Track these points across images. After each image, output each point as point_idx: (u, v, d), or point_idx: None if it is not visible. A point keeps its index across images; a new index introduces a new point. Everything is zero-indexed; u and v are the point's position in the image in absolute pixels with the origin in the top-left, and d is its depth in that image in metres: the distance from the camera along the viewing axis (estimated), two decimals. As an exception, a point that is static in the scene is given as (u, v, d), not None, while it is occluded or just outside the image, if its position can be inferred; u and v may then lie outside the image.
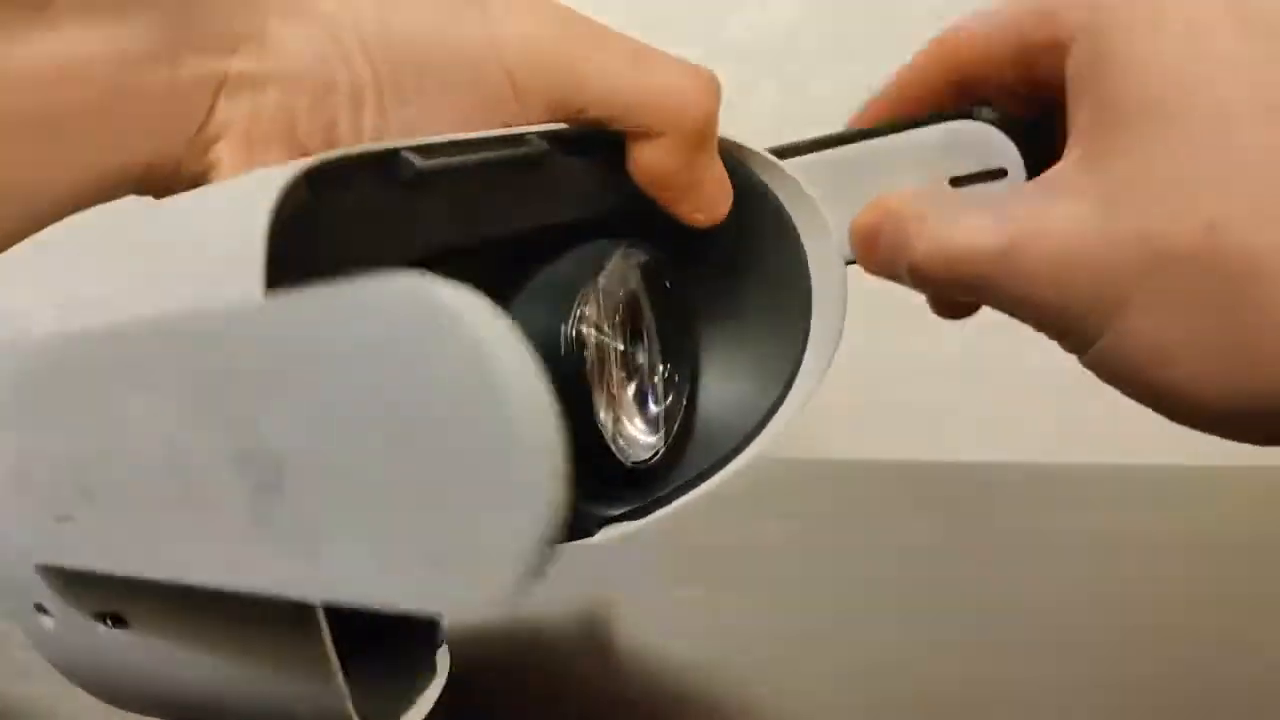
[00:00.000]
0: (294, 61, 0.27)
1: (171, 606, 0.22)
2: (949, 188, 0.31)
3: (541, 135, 0.28)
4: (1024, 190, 0.29)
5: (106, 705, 0.27)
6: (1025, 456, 0.50)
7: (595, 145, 0.29)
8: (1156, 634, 0.36)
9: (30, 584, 0.24)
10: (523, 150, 0.28)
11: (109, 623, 0.24)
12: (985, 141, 0.31)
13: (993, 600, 0.39)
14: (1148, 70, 0.25)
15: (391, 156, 0.25)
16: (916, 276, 0.28)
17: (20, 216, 0.27)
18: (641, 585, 0.41)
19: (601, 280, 0.31)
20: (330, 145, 0.28)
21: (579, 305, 0.30)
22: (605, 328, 0.31)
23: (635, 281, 0.32)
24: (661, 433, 0.33)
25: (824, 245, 0.32)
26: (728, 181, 0.31)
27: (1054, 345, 0.27)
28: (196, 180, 0.28)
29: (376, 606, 0.16)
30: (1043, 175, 0.28)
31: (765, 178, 0.32)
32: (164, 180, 0.28)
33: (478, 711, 0.31)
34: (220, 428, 0.18)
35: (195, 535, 0.19)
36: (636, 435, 0.32)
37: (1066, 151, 0.27)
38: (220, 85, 0.27)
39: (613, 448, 0.31)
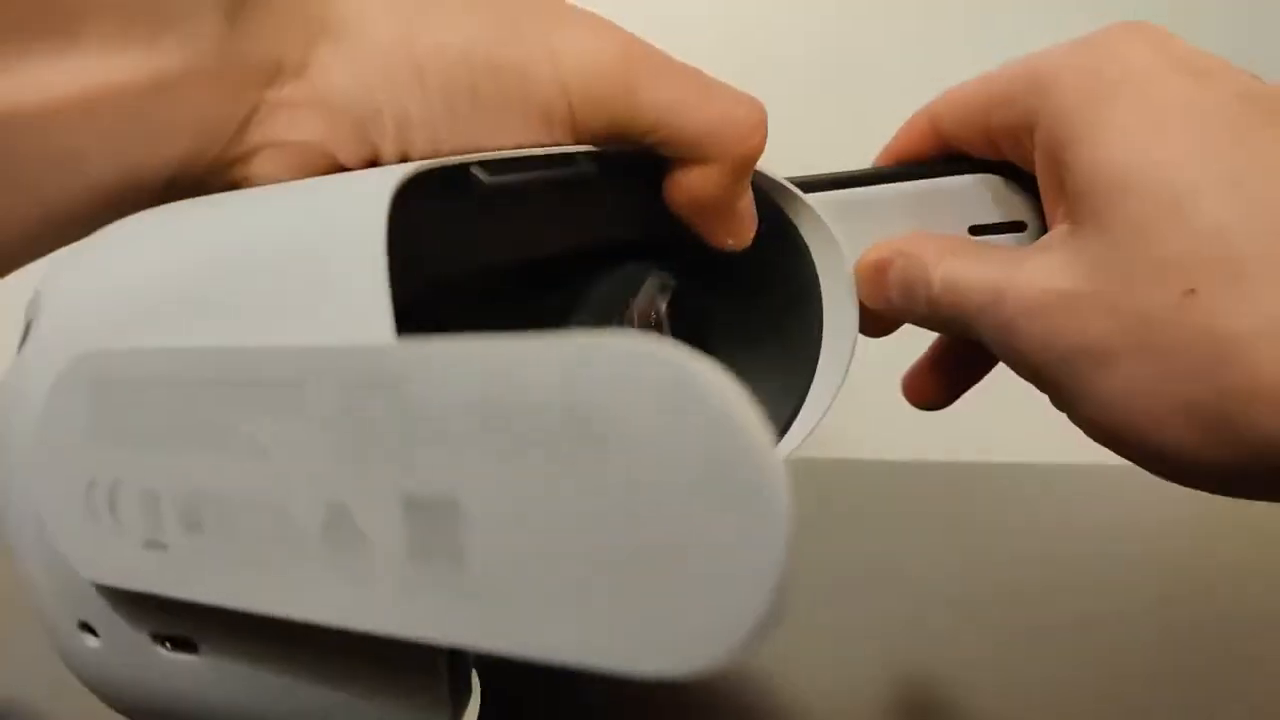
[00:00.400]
0: (336, 93, 0.26)
1: (253, 632, 0.21)
2: (968, 235, 0.32)
3: (588, 155, 0.28)
4: (1025, 246, 0.30)
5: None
6: (1025, 457, 0.51)
7: (632, 167, 0.29)
8: (1155, 633, 0.37)
9: (80, 599, 0.23)
10: (573, 170, 0.28)
11: (169, 646, 0.23)
12: (1006, 194, 0.32)
13: (992, 599, 0.40)
14: (1105, 153, 0.26)
15: (461, 172, 0.25)
16: (932, 310, 0.30)
17: (36, 237, 0.26)
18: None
19: (635, 304, 0.31)
20: (371, 166, 0.27)
21: (615, 328, 0.30)
22: None
23: (663, 305, 0.32)
24: None
25: (839, 275, 0.33)
26: (754, 207, 0.31)
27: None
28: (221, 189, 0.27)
29: (566, 662, 0.16)
30: (1043, 236, 0.29)
31: (786, 207, 0.32)
32: (184, 194, 0.27)
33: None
34: (385, 470, 0.17)
35: (329, 576, 0.18)
36: None
37: (1058, 220, 0.28)
38: (253, 112, 0.26)
39: None
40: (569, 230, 0.29)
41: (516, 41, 0.27)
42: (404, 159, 0.27)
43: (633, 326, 0.31)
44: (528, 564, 0.16)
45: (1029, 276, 0.27)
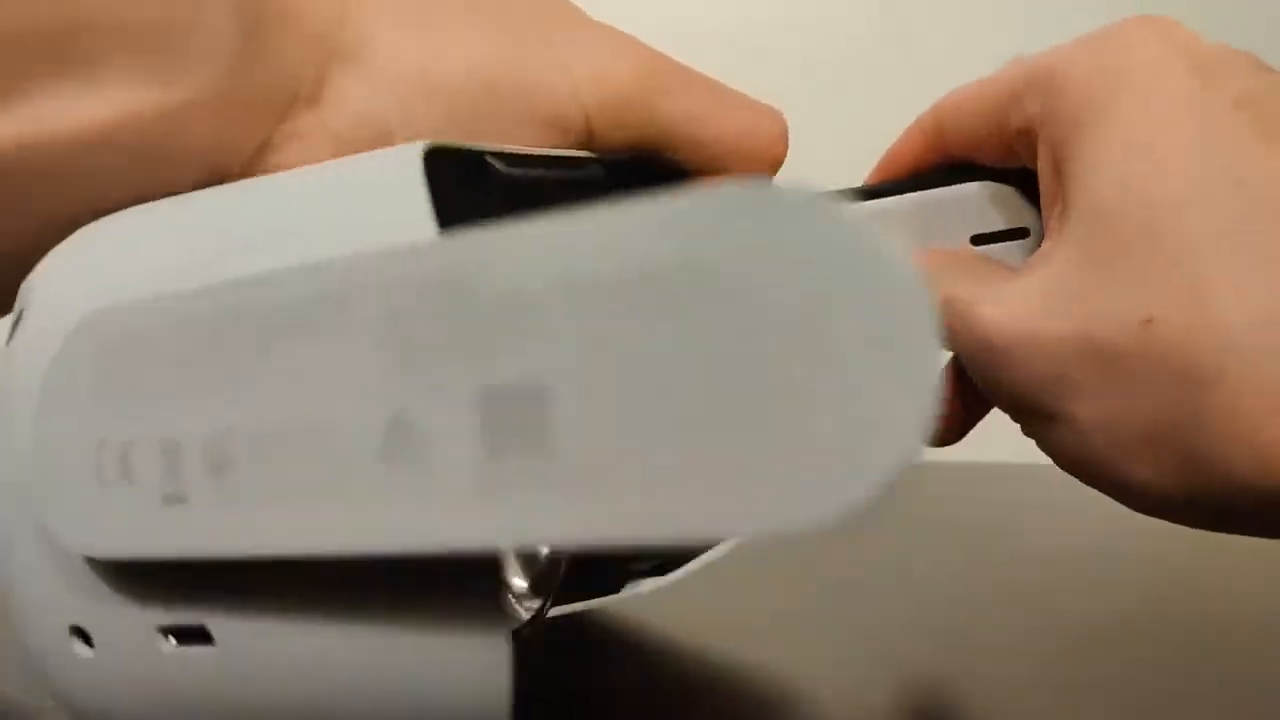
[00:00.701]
0: (346, 117, 0.26)
1: (279, 611, 0.20)
2: (969, 245, 0.31)
3: (598, 160, 0.28)
4: (1013, 264, 0.29)
5: None
6: (1022, 457, 0.50)
7: (638, 172, 0.29)
8: (1155, 634, 0.37)
9: (72, 602, 0.21)
10: (581, 173, 0.28)
11: (176, 640, 0.21)
12: (1008, 201, 0.31)
13: (992, 600, 0.40)
14: (1092, 168, 0.25)
15: (477, 163, 0.25)
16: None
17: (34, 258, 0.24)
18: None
19: None
20: None
21: None
22: None
23: None
24: None
25: None
26: None
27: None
28: None
29: (681, 539, 0.15)
30: (1032, 254, 0.28)
31: None
32: None
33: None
34: (453, 370, 0.16)
35: (391, 494, 0.16)
36: None
37: (1046, 234, 0.28)
38: (267, 140, 0.25)
39: None
40: None
41: (529, 59, 0.27)
42: None
43: None
44: (633, 442, 0.15)
45: (1004, 303, 0.26)
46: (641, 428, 0.15)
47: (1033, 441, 0.28)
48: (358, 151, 0.25)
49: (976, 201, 0.31)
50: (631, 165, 0.28)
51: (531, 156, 0.26)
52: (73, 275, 0.22)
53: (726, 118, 0.28)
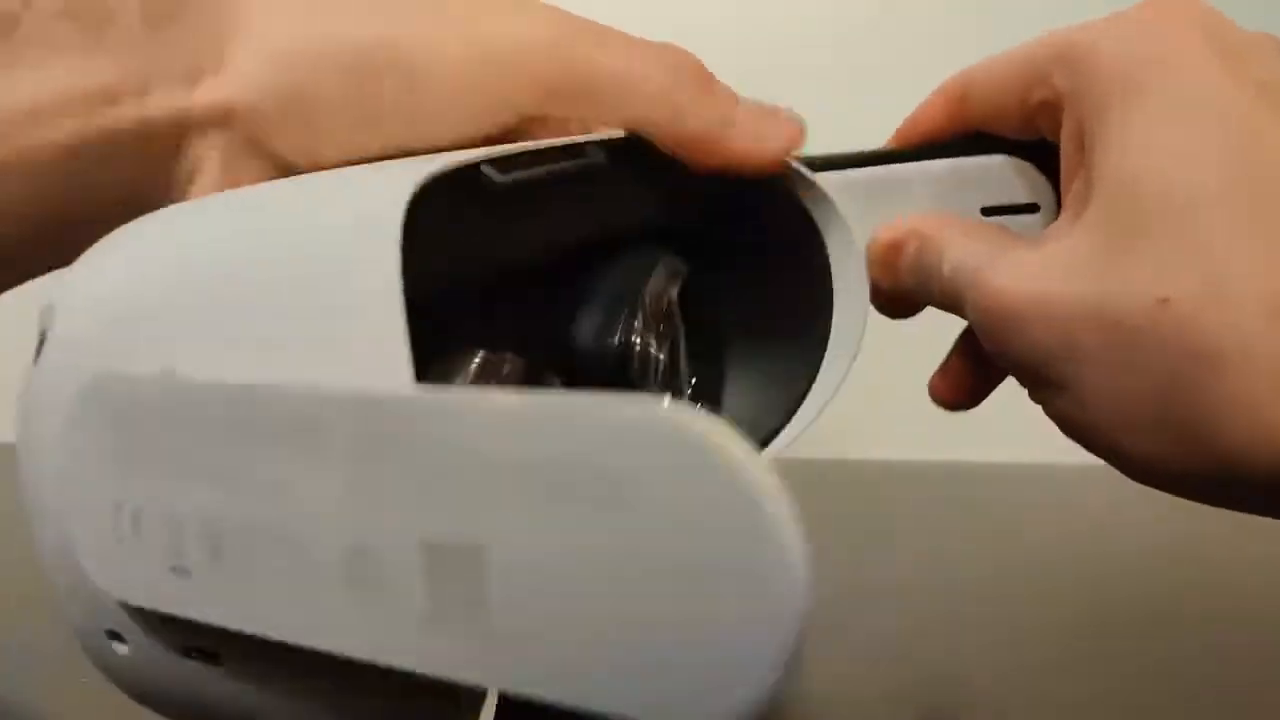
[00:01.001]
0: (256, 91, 0.27)
1: (274, 651, 0.22)
2: (980, 216, 0.32)
3: (598, 145, 0.28)
4: (1030, 233, 0.29)
5: (106, 705, 0.27)
6: (1022, 457, 0.51)
7: (640, 153, 0.29)
8: (1154, 633, 0.38)
9: (107, 611, 0.24)
10: (583, 161, 0.28)
11: (195, 656, 0.24)
12: (1022, 176, 0.31)
13: (990, 599, 0.41)
14: (1118, 148, 0.25)
15: (471, 171, 0.25)
16: (944, 296, 0.29)
17: None
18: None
19: (647, 292, 0.31)
20: (315, 158, 0.28)
21: (628, 316, 0.30)
22: (650, 339, 0.31)
23: (674, 292, 0.32)
24: None
25: (848, 254, 0.32)
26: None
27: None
28: None
29: (587, 709, 0.17)
30: (1052, 223, 0.28)
31: (795, 186, 0.32)
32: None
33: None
34: (404, 515, 0.18)
35: (349, 612, 0.19)
36: None
37: (1061, 211, 0.28)
38: (188, 120, 0.28)
39: None
40: (580, 222, 0.29)
41: (431, 32, 0.28)
42: (340, 161, 0.27)
43: (645, 316, 0.31)
44: (552, 612, 0.16)
45: (1018, 270, 0.27)
46: (561, 602, 0.16)
47: (1033, 442, 0.29)
48: (276, 122, 0.27)
49: (992, 173, 0.32)
50: (631, 147, 0.29)
51: (529, 154, 0.26)
52: (92, 304, 0.24)
53: (651, 72, 0.28)
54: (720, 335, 0.35)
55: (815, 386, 0.34)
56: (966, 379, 0.33)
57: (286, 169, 0.28)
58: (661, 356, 0.32)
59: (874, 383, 0.43)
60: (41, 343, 0.25)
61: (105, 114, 0.27)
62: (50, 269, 0.29)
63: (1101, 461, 0.27)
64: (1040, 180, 0.31)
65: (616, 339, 0.30)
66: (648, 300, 0.31)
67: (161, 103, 0.27)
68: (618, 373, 0.30)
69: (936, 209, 0.32)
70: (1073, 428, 0.27)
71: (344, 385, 0.19)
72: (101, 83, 0.27)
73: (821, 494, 0.54)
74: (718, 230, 0.33)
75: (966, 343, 0.34)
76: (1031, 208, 0.32)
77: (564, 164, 0.28)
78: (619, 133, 0.29)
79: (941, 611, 0.39)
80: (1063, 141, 0.28)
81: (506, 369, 0.28)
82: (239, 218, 0.25)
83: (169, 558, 0.21)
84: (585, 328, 0.30)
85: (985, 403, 0.34)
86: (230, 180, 0.28)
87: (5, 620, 0.25)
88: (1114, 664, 0.35)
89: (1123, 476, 0.27)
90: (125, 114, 0.27)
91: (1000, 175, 0.32)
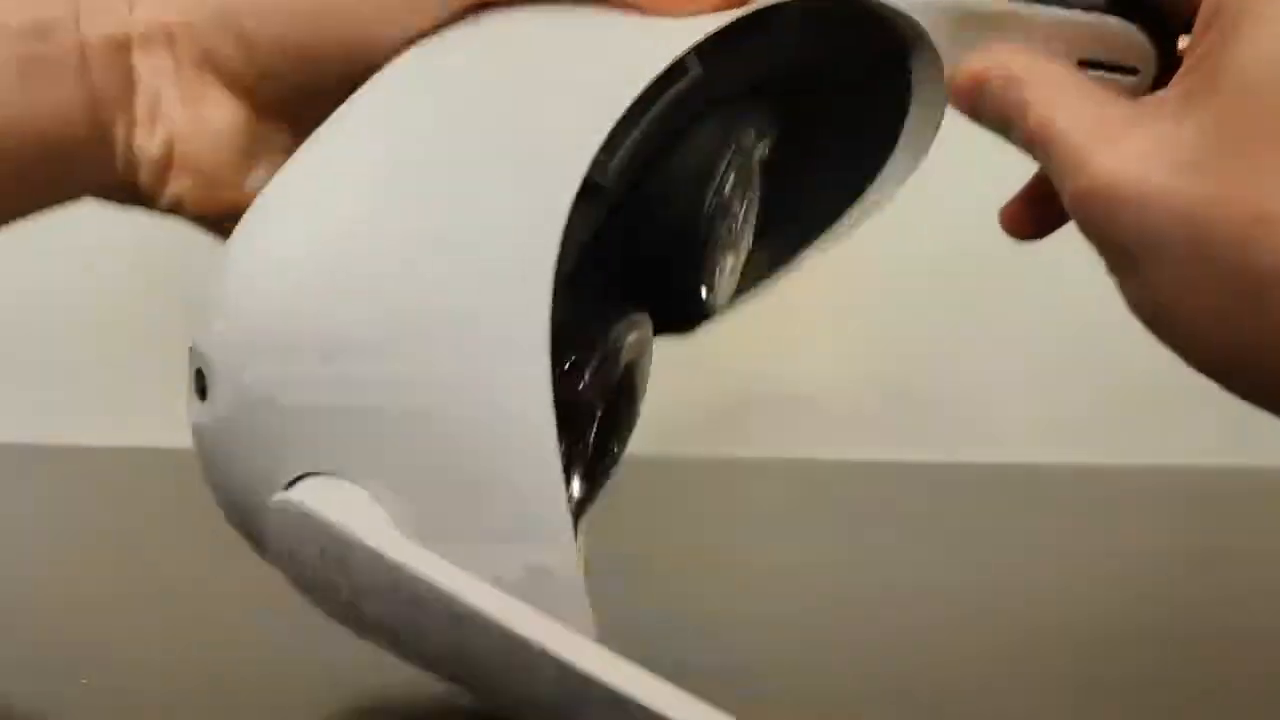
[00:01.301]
0: (191, 5, 0.28)
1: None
2: (1074, 66, 0.30)
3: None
4: (1124, 100, 0.28)
5: (105, 705, 0.27)
6: (1021, 457, 0.51)
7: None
8: (1153, 632, 0.37)
9: None
10: (684, 83, 0.28)
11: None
12: (1126, 36, 0.30)
13: (990, 599, 0.40)
14: (1251, 44, 0.24)
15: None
16: (1024, 146, 0.28)
17: None
18: (644, 583, 0.41)
19: (737, 152, 0.31)
20: (261, 69, 0.29)
21: (720, 175, 0.30)
22: (736, 199, 0.31)
23: (759, 154, 0.32)
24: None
25: (932, 83, 0.32)
26: None
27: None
28: (158, 166, 0.29)
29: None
30: (1148, 96, 0.27)
31: (887, 12, 0.31)
32: (127, 181, 0.29)
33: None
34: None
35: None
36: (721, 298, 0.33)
37: (1173, 82, 0.27)
38: (128, 42, 0.28)
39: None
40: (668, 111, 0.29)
41: None
42: (290, 69, 0.29)
43: (730, 184, 0.31)
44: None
45: (1123, 150, 0.25)
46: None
47: (1033, 442, 0.29)
48: (215, 36, 0.28)
49: (1095, 28, 0.31)
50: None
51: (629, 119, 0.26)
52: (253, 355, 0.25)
53: None
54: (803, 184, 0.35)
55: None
56: (1036, 215, 0.33)
57: (236, 81, 0.29)
58: (740, 216, 0.32)
59: (874, 382, 0.43)
60: (203, 389, 0.25)
61: (45, 43, 0.28)
62: (15, 217, 0.30)
63: (1101, 462, 0.27)
64: (1144, 44, 0.30)
65: (712, 198, 0.30)
66: (733, 165, 0.31)
67: (98, 26, 0.28)
68: (711, 231, 0.30)
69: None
70: (1138, 308, 0.27)
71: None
72: (34, 12, 0.28)
73: (822, 494, 0.52)
74: (804, 83, 0.32)
75: (1039, 181, 0.32)
76: (1131, 70, 0.31)
77: (669, 89, 0.28)
78: None
79: (941, 612, 0.39)
80: (1200, 16, 0.26)
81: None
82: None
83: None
84: (680, 185, 0.30)
85: (985, 403, 0.34)
86: (188, 97, 0.29)
87: (5, 620, 0.25)
88: (1114, 665, 0.35)
89: (1122, 477, 0.27)
90: (64, 41, 0.28)
91: (1104, 31, 0.30)
